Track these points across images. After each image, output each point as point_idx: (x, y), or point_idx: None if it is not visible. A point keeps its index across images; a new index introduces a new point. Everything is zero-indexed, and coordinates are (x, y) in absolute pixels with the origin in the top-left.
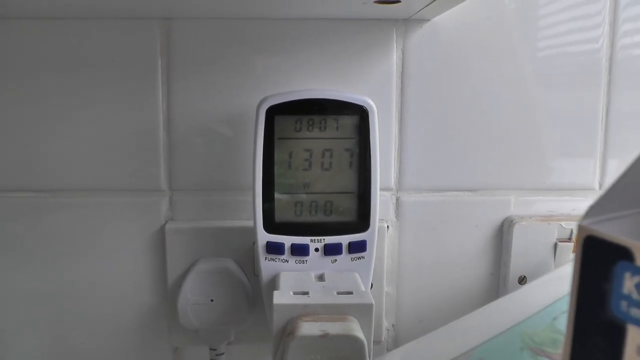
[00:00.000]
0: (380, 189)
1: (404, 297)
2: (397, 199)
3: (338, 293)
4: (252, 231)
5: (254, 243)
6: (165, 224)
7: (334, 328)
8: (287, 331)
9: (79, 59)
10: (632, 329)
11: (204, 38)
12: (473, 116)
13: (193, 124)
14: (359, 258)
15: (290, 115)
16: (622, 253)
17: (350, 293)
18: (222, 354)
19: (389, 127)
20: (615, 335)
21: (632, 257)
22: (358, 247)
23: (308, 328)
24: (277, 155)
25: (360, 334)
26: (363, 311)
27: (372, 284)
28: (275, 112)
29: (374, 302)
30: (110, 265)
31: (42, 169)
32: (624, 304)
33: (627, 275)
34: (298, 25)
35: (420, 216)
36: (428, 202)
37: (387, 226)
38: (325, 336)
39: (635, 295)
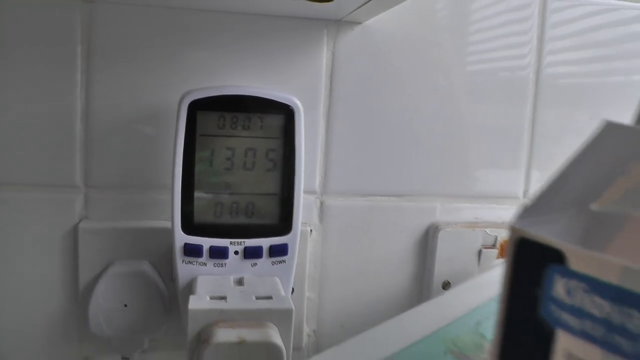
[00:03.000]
0: (305, 192)
1: (326, 302)
2: (322, 203)
3: (257, 298)
4: (171, 233)
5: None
6: (78, 222)
7: (251, 335)
8: (202, 338)
9: None
10: (562, 334)
11: (129, 25)
12: (401, 122)
13: (113, 117)
14: (280, 262)
15: (213, 112)
16: (554, 256)
17: (270, 298)
18: None
19: (315, 129)
20: (544, 340)
21: (563, 260)
22: (279, 251)
23: (224, 334)
24: (198, 153)
25: (278, 340)
26: (282, 317)
27: (293, 289)
28: (198, 108)
29: (293, 308)
30: (17, 266)
31: None
32: (553, 308)
33: (558, 278)
34: (228, 19)
35: (344, 220)
36: (353, 207)
37: (310, 230)
38: (242, 343)
39: (565, 299)
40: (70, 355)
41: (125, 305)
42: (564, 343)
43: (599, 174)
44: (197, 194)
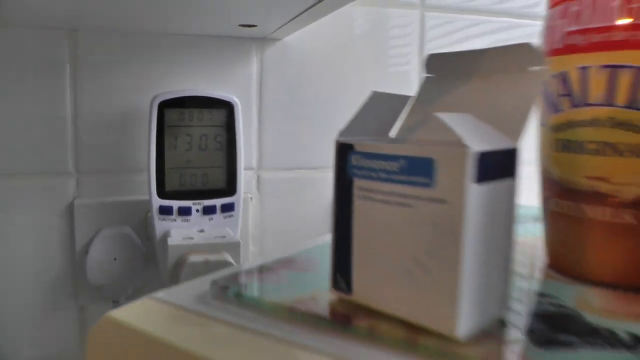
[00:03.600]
0: (245, 168)
1: (266, 254)
2: (258, 176)
3: (215, 237)
4: (146, 203)
5: (147, 212)
6: (73, 200)
7: (213, 257)
8: (179, 262)
9: None
10: (356, 179)
11: (107, 46)
12: (318, 112)
13: (97, 118)
14: (230, 216)
15: (176, 108)
16: (350, 146)
17: (224, 237)
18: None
19: (250, 119)
20: (349, 184)
21: (353, 147)
22: (228, 208)
23: (195, 258)
24: (166, 140)
25: (231, 260)
26: (233, 247)
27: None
28: (165, 106)
29: (240, 241)
30: (26, 236)
31: None
32: (352, 169)
33: (352, 155)
34: (182, 39)
35: (277, 189)
36: (283, 179)
37: (251, 197)
38: (207, 262)
39: (356, 163)
40: (68, 306)
41: (115, 259)
42: (357, 183)
43: (380, 119)
44: (167, 169)
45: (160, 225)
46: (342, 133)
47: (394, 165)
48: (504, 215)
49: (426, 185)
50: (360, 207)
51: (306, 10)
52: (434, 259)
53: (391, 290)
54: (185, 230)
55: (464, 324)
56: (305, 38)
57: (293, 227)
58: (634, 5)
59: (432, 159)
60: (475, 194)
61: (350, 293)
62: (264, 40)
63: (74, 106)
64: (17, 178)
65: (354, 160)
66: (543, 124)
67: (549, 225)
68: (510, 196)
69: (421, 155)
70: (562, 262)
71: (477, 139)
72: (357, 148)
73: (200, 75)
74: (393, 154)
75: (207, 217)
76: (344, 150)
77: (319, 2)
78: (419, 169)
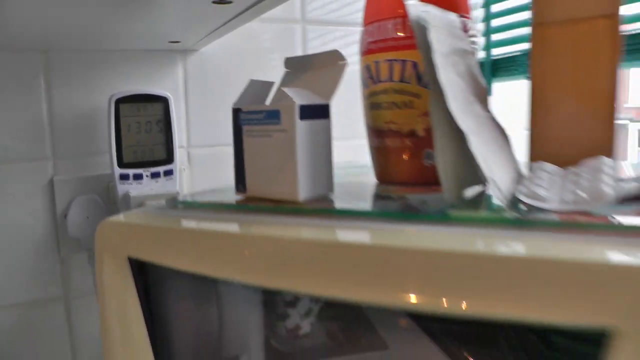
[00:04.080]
0: (178, 146)
1: None
2: (188, 152)
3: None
4: (108, 176)
5: (109, 183)
6: (52, 177)
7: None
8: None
9: None
10: (244, 126)
11: (74, 62)
12: (229, 101)
13: (67, 115)
14: (170, 179)
15: (127, 103)
16: (239, 109)
17: (167, 191)
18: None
19: (180, 109)
20: (240, 131)
21: (241, 110)
22: (169, 173)
23: (151, 202)
24: (122, 126)
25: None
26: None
27: None
28: (120, 102)
29: (180, 191)
30: (14, 207)
31: None
32: (242, 121)
33: (241, 114)
34: (128, 54)
35: (202, 162)
36: (207, 154)
37: (184, 169)
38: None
39: (244, 118)
40: (52, 258)
41: (87, 217)
42: (244, 128)
43: (256, 95)
44: (124, 147)
45: (121, 188)
46: (235, 103)
47: (261, 115)
48: (323, 137)
49: (277, 124)
50: (246, 141)
51: (214, 30)
52: (285, 163)
53: (266, 185)
54: (139, 190)
55: (302, 194)
56: (218, 48)
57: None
58: (399, 27)
59: (279, 109)
60: (301, 125)
61: (245, 192)
62: (186, 52)
63: (49, 107)
64: (9, 164)
65: (242, 116)
66: (363, 97)
67: (373, 156)
68: (325, 127)
69: (273, 108)
70: (380, 174)
71: (302, 99)
72: (243, 109)
73: (143, 79)
74: (260, 110)
75: (154, 180)
76: (236, 112)
77: (222, 26)
78: (273, 116)
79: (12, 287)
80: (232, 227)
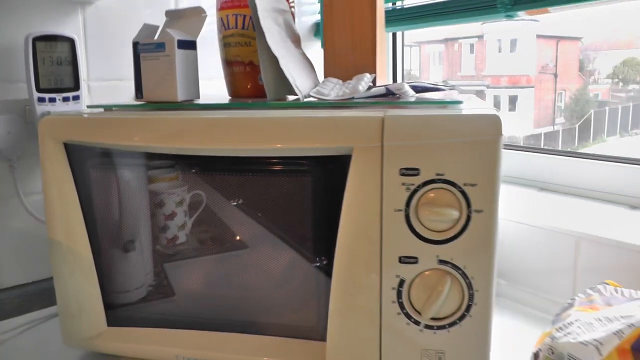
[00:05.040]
0: (83, 80)
1: None
2: (88, 85)
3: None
4: (26, 101)
5: (26, 106)
6: None
7: None
8: None
9: None
10: (141, 53)
11: None
12: (119, 41)
13: None
14: (77, 103)
15: (42, 42)
16: (137, 43)
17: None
18: (15, 165)
19: (82, 48)
20: (138, 55)
21: (138, 43)
22: (76, 98)
23: None
24: (38, 60)
25: None
26: None
27: None
28: (36, 40)
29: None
30: None
31: None
32: (140, 50)
33: (139, 45)
34: (40, 2)
35: (98, 92)
36: (104, 85)
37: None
38: None
39: (141, 48)
40: None
41: (9, 132)
42: (141, 55)
43: (148, 32)
44: (40, 76)
45: (39, 108)
46: (134, 39)
47: (152, 46)
48: (192, 61)
49: (163, 51)
50: (143, 63)
51: None
52: (169, 77)
53: (156, 92)
54: (54, 110)
55: (180, 96)
56: (113, 1)
57: None
58: None
59: (164, 42)
60: (179, 52)
61: (142, 98)
62: (85, 3)
63: None
64: None
65: (139, 47)
66: (218, 39)
67: (226, 79)
68: (193, 55)
69: (161, 41)
70: (231, 91)
71: (179, 36)
72: (140, 42)
73: (54, 24)
74: (152, 42)
75: (65, 103)
76: (135, 44)
77: None
78: (160, 46)
79: None
80: (138, 114)
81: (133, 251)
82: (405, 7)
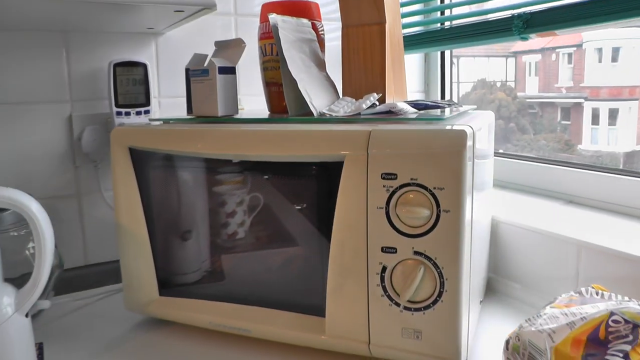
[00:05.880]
0: (153, 97)
1: None
2: (159, 101)
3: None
4: (107, 114)
5: (108, 118)
6: (71, 114)
7: None
8: None
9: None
10: (191, 78)
11: (86, 41)
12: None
13: (79, 75)
14: (147, 116)
15: (121, 67)
16: (189, 69)
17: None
18: (99, 166)
19: (154, 73)
20: (189, 79)
21: (190, 69)
22: (147, 112)
23: None
24: (118, 81)
25: None
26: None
27: None
28: (116, 66)
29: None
30: (45, 132)
31: None
32: (191, 75)
33: (190, 72)
34: (119, 35)
35: (166, 107)
36: (169, 102)
37: (156, 111)
38: None
39: (192, 74)
40: (69, 166)
41: (94, 139)
42: (192, 78)
43: (200, 61)
44: (119, 94)
45: (117, 120)
46: (186, 66)
47: (199, 71)
48: (231, 83)
49: (207, 75)
50: (192, 86)
51: (175, 23)
52: (211, 96)
53: (203, 108)
54: (129, 122)
55: (220, 112)
56: (179, 32)
57: None
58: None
59: (208, 69)
60: (221, 77)
61: (192, 113)
62: (157, 34)
63: (68, 65)
64: (43, 104)
65: (190, 73)
66: (259, 64)
67: (265, 97)
68: (232, 79)
69: (205, 68)
70: (269, 107)
71: (220, 63)
72: (191, 69)
73: (131, 52)
74: (199, 69)
75: (138, 116)
76: (187, 70)
77: (179, 21)
78: (205, 72)
79: (42, 185)
80: (186, 126)
81: (190, 240)
82: (428, 30)
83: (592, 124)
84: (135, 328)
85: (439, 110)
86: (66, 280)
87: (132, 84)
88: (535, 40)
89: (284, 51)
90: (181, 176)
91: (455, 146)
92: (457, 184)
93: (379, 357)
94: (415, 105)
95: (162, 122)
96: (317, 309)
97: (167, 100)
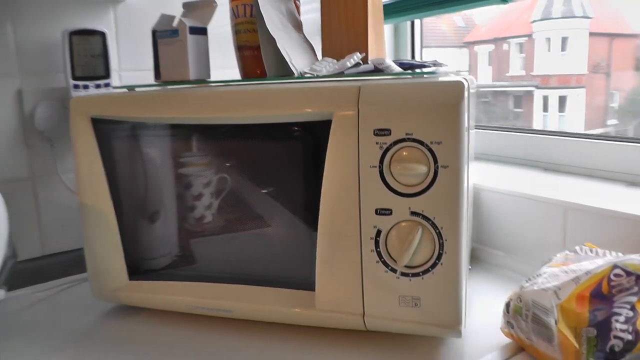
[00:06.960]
0: (112, 70)
1: None
2: (119, 75)
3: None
4: (64, 89)
5: (64, 94)
6: (21, 89)
7: None
8: None
9: None
10: (158, 39)
11: (36, 4)
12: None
13: (31, 44)
14: (108, 89)
15: (77, 35)
16: (155, 31)
17: None
18: (55, 145)
19: (113, 41)
20: (157, 42)
21: (157, 31)
22: (107, 85)
23: None
24: (74, 52)
25: None
26: None
27: None
28: (72, 34)
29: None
30: None
31: None
32: (157, 36)
33: (157, 32)
34: (75, 3)
35: (129, 79)
36: (135, 75)
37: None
38: None
39: (158, 32)
40: (21, 146)
41: (50, 115)
42: (159, 40)
43: (166, 22)
44: (75, 66)
45: (74, 94)
46: (153, 27)
47: (168, 32)
48: (203, 45)
49: (177, 37)
50: (160, 48)
51: None
52: (182, 59)
53: (172, 72)
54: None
55: (192, 76)
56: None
57: None
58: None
59: (178, 29)
60: (192, 38)
61: (160, 78)
62: (116, 1)
63: (15, 36)
64: None
65: (157, 34)
66: (231, 26)
67: (238, 62)
68: (204, 40)
69: (175, 28)
70: (242, 72)
71: (190, 23)
72: (158, 30)
73: (89, 20)
74: (167, 29)
75: (97, 89)
76: (154, 32)
77: None
78: (175, 33)
79: None
80: (161, 91)
81: (158, 221)
82: None
83: (543, 110)
84: (103, 317)
85: (425, 68)
86: (20, 273)
87: (90, 54)
88: (488, 29)
89: (260, 8)
90: (149, 149)
91: (453, 98)
92: (456, 138)
93: (374, 330)
94: (400, 64)
95: (126, 89)
96: (306, 283)
97: (129, 73)
